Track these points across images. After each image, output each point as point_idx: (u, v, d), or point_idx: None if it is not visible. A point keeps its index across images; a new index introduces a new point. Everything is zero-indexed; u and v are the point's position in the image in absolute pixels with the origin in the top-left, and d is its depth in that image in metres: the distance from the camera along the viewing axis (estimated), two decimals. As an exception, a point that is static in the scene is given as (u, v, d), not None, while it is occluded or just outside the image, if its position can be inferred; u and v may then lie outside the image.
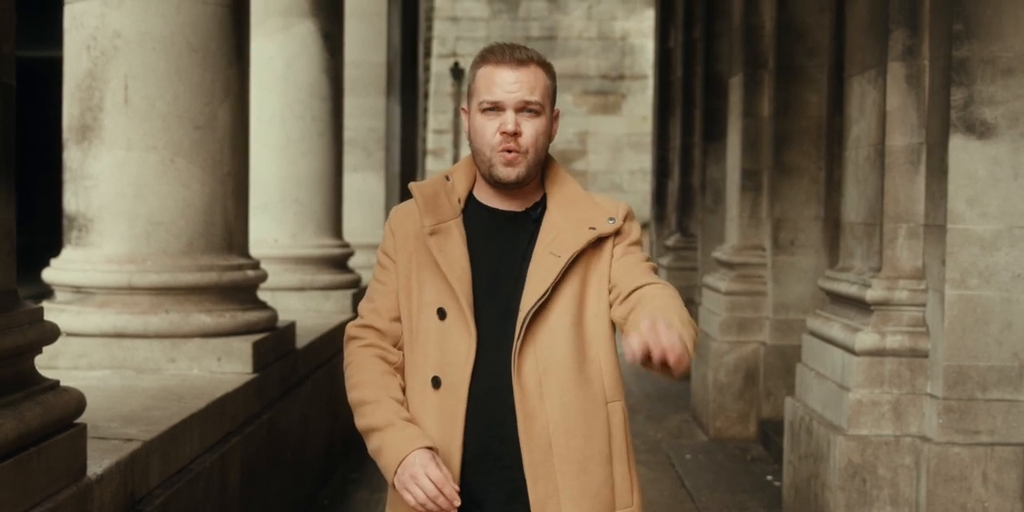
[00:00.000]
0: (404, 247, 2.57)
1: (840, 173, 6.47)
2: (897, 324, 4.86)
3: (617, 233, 2.56)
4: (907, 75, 4.91)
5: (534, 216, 2.57)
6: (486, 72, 2.51)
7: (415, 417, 2.49)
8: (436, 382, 2.49)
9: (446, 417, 2.47)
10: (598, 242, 2.53)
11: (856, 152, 5.33)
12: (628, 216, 2.59)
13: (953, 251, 4.58)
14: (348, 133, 9.50)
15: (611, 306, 2.52)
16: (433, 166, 22.55)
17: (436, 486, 2.33)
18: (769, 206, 7.94)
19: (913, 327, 4.84)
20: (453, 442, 2.47)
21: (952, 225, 4.58)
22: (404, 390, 2.54)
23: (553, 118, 2.57)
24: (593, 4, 24.07)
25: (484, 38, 23.71)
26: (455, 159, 23.38)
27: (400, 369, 2.57)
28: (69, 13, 4.78)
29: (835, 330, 5.18)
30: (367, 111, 10.37)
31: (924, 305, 4.84)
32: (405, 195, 11.71)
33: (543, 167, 2.60)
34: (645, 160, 21.01)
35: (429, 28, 22.72)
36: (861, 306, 5.03)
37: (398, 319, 2.58)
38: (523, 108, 2.49)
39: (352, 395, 2.55)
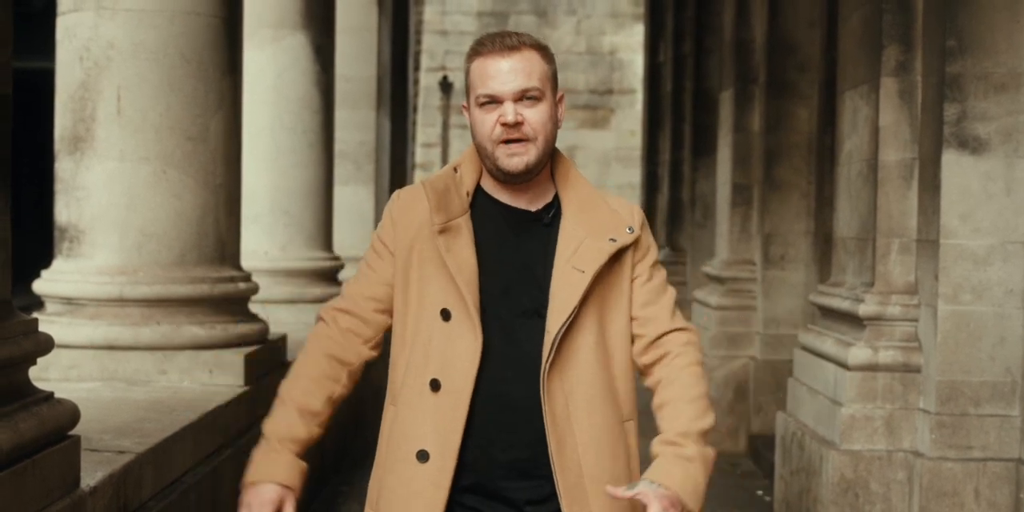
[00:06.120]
0: (405, 236, 2.46)
1: (831, 188, 6.48)
2: (890, 339, 4.86)
3: (635, 242, 2.48)
4: (900, 90, 4.92)
5: (546, 220, 2.47)
6: (479, 65, 2.42)
7: (410, 418, 2.41)
8: (435, 385, 2.39)
9: (444, 421, 2.37)
10: (617, 253, 2.45)
11: (848, 167, 5.34)
12: (643, 223, 2.52)
13: (946, 266, 4.59)
14: (338, 146, 9.48)
15: (633, 340, 2.46)
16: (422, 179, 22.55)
17: None
18: (759, 221, 7.95)
19: (906, 342, 4.84)
20: (449, 448, 2.36)
21: (945, 240, 4.59)
22: (332, 400, 2.48)
23: (557, 102, 2.47)
24: (582, 19, 24.15)
25: (473, 52, 23.74)
26: (443, 173, 23.36)
27: (360, 369, 2.50)
28: (62, 24, 4.77)
29: (827, 345, 5.18)
30: (357, 124, 10.36)
31: (917, 320, 4.84)
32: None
33: (552, 161, 2.51)
34: (634, 175, 21.04)
35: (418, 42, 22.74)
36: (854, 321, 5.03)
37: (384, 311, 2.49)
38: (522, 96, 2.38)
39: (283, 382, 2.50)
